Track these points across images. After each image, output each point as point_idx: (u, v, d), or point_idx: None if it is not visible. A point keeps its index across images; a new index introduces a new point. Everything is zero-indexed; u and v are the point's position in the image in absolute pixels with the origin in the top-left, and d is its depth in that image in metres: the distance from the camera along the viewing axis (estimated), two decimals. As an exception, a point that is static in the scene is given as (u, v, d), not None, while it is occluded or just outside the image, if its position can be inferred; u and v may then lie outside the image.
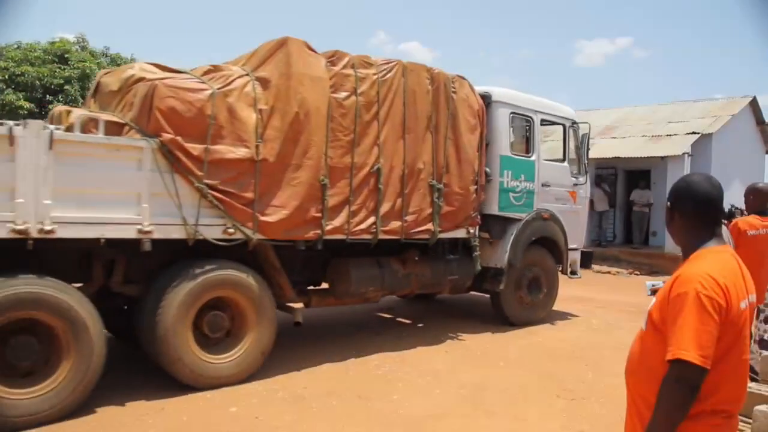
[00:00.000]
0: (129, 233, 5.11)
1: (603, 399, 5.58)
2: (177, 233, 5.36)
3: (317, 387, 5.63)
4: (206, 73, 5.79)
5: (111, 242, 5.07)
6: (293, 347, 6.80)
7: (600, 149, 17.10)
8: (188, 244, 5.43)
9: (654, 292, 4.85)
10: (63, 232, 4.78)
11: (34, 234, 4.60)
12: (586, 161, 9.56)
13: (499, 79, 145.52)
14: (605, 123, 20.06)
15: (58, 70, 19.76)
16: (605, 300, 10.93)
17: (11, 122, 4.71)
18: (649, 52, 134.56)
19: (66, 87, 19.46)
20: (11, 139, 4.47)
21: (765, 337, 5.36)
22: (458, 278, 7.87)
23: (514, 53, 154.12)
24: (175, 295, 5.29)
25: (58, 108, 6.05)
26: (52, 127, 4.93)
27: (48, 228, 4.67)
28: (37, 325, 4.72)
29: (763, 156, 20.72)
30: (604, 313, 9.91)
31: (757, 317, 5.32)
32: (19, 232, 4.54)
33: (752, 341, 4.88)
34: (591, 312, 9.83)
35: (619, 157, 16.57)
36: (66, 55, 20.26)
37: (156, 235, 5.22)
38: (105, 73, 6.34)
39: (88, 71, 20.00)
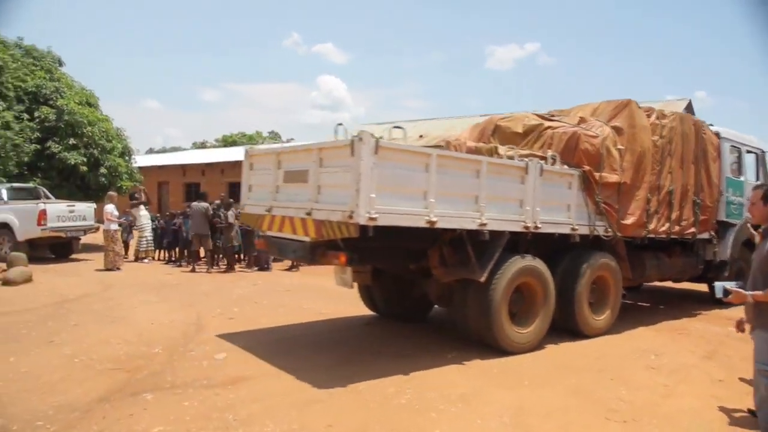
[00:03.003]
0: (566, 230, 7.55)
1: (655, 420, 5.14)
2: (584, 231, 7.72)
3: (344, 425, 4.80)
4: (579, 122, 8.32)
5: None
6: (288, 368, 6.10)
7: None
8: (572, 240, 7.68)
9: (727, 293, 4.45)
10: (546, 228, 7.26)
11: (531, 228, 7.04)
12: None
13: (410, 83, 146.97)
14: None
15: (-37, 61, 17.59)
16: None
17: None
18: (556, 59, 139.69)
19: (-27, 81, 17.39)
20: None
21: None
22: (695, 268, 10.23)
23: (427, 56, 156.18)
24: (580, 275, 7.67)
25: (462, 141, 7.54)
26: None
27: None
28: (525, 286, 7.12)
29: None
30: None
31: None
32: (526, 227, 7.02)
33: None
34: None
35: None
36: (-26, 45, 18.13)
37: (579, 231, 7.67)
38: (501, 119, 8.83)
39: (1, 63, 17.36)
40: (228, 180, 28.29)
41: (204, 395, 5.30)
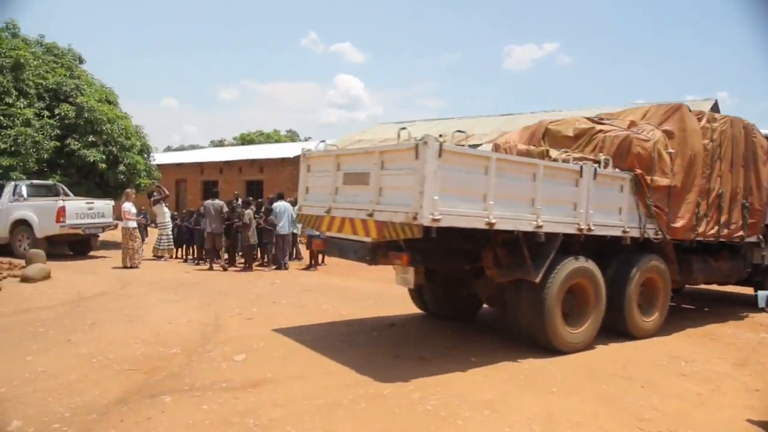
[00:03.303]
0: (618, 232, 7.65)
1: (690, 431, 4.89)
2: (634, 233, 7.80)
3: None
4: (630, 126, 8.35)
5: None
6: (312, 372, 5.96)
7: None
8: (623, 242, 7.75)
9: (769, 302, 4.16)
10: (599, 231, 7.32)
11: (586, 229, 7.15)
12: None
13: (427, 82, 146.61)
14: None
15: (-15, 59, 17.68)
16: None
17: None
18: (575, 58, 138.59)
19: (-4, 77, 17.40)
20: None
21: None
22: (742, 272, 10.16)
23: (444, 56, 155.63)
24: (630, 277, 7.77)
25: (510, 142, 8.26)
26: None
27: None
28: (577, 287, 7.19)
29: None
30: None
31: None
32: (579, 229, 7.07)
33: None
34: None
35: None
36: (-5, 42, 18.19)
37: (630, 234, 7.75)
38: (552, 122, 8.87)
39: (22, 60, 17.46)
40: (246, 178, 28.27)
41: (224, 398, 5.16)
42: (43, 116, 17.80)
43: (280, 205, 14.88)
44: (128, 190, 15.98)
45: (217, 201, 14.53)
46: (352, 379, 5.78)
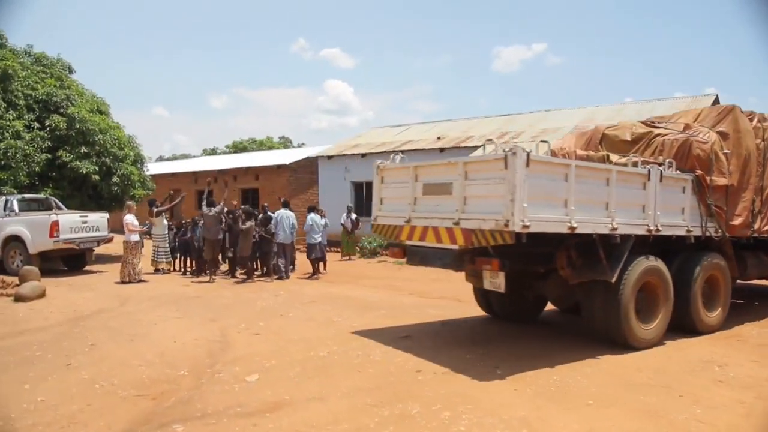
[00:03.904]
0: (682, 231, 7.91)
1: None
2: (697, 232, 8.04)
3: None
4: (685, 128, 8.56)
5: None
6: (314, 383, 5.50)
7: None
8: (687, 241, 8.05)
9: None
10: (666, 231, 7.64)
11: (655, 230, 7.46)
12: None
13: (418, 85, 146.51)
14: (571, 124, 19.50)
15: (-28, 69, 17.14)
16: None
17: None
18: (563, 58, 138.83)
19: (-18, 88, 16.93)
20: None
21: None
22: None
23: (435, 59, 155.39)
24: (695, 274, 7.99)
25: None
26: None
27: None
28: (647, 286, 7.44)
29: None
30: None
31: None
32: (648, 230, 7.39)
33: None
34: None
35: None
36: (-20, 53, 17.72)
37: (694, 233, 8.01)
38: (608, 128, 9.21)
39: (10, 71, 17.09)
40: (241, 186, 27.82)
41: (240, 425, 4.77)
42: (33, 128, 17.38)
43: (280, 213, 14.51)
44: (129, 202, 15.53)
45: (213, 208, 14.09)
46: (375, 399, 5.40)
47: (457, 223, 6.61)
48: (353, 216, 19.03)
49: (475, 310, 9.47)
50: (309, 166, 25.60)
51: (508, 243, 6.09)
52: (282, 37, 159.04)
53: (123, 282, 13.49)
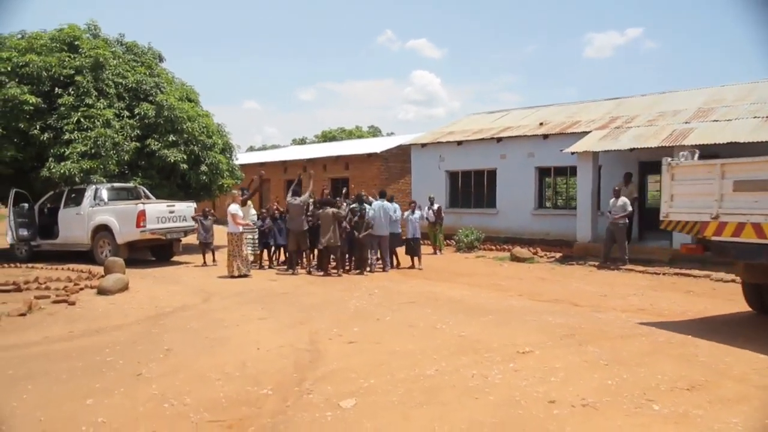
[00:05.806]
0: None
1: None
2: None
3: None
4: None
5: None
6: None
7: (701, 134, 14.33)
8: None
9: None
10: None
11: None
12: None
13: (505, 76, 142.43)
14: (694, 106, 17.35)
15: (67, 59, 16.65)
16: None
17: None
18: (660, 43, 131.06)
19: (77, 78, 16.56)
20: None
21: None
22: None
23: (522, 49, 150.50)
24: None
25: None
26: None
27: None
28: None
29: None
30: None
31: None
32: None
33: None
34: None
35: (736, 143, 13.64)
36: (76, 43, 17.53)
37: None
38: None
39: (101, 60, 16.93)
40: (330, 176, 27.08)
41: (336, 479, 3.66)
42: (123, 116, 17.14)
43: (375, 205, 13.50)
44: (234, 191, 14.87)
45: (299, 198, 13.19)
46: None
47: None
48: (435, 207, 17.63)
49: (606, 321, 8.01)
50: (401, 155, 24.47)
51: None
52: (369, 30, 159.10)
53: (231, 276, 12.64)
